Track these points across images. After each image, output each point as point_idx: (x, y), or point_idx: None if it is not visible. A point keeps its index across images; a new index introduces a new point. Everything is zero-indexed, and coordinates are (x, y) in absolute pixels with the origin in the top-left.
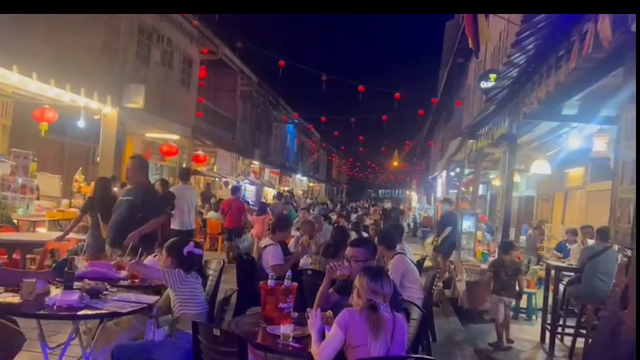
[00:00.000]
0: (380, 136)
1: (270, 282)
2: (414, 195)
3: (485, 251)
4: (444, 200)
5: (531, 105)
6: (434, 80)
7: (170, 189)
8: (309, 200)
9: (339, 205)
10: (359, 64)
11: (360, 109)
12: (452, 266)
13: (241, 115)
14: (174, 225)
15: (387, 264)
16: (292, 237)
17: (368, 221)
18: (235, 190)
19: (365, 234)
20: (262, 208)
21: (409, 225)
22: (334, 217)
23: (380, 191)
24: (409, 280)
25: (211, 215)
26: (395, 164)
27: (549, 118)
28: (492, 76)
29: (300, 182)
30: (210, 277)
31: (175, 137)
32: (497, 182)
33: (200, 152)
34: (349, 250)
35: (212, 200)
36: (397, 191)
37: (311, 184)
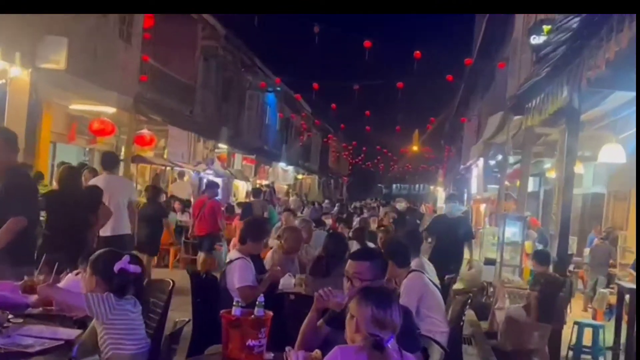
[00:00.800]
0: (394, 110)
1: (235, 311)
2: (440, 192)
3: None
4: (449, 198)
5: (598, 69)
6: (468, 34)
7: (92, 181)
8: (294, 198)
9: (337, 205)
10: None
11: (367, 72)
12: (490, 289)
13: (202, 81)
14: (104, 231)
15: (399, 286)
16: (270, 248)
17: (374, 225)
18: (210, 186)
19: (371, 244)
20: (230, 210)
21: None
22: (329, 221)
23: (394, 186)
24: (428, 308)
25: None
26: (415, 148)
27: (623, 86)
28: (546, 28)
29: (283, 173)
30: (154, 304)
31: (111, 110)
32: (552, 174)
33: (145, 131)
34: (350, 266)
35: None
36: (416, 186)
37: (299, 176)
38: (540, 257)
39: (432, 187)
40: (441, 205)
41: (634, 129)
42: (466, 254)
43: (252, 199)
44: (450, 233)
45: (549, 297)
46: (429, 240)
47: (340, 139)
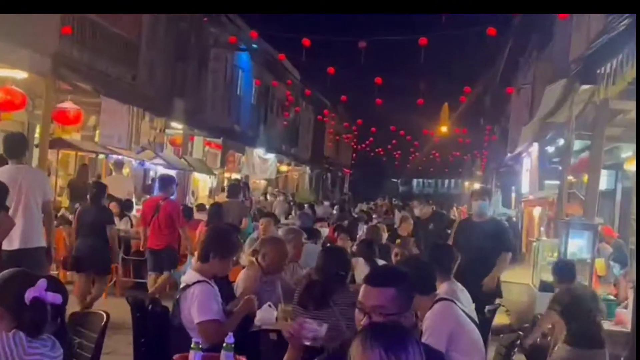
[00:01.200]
0: (414, 77)
1: (193, 356)
2: (478, 190)
3: (611, 296)
4: (477, 194)
5: None
6: None
7: None
8: (280, 199)
9: (336, 208)
10: None
11: (377, 24)
12: (549, 326)
13: (149, 36)
14: (9, 243)
15: (422, 320)
16: (243, 267)
17: (386, 235)
18: (165, 183)
19: (382, 262)
20: (187, 214)
21: None
22: (325, 230)
23: (415, 182)
24: (461, 350)
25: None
26: (444, 129)
27: None
28: None
29: (262, 164)
30: (80, 345)
31: (21, 74)
32: (633, 166)
33: (68, 105)
34: (366, 295)
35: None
36: (445, 182)
37: (284, 168)
38: (562, 270)
39: (466, 184)
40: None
41: None
42: (504, 275)
43: (226, 198)
44: (479, 243)
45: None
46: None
47: (341, 117)
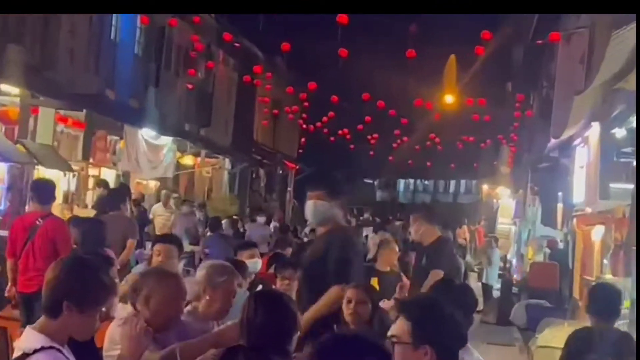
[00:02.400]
0: (401, 14)
1: None
2: (502, 198)
3: None
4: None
5: None
6: None
7: None
8: (186, 210)
9: (273, 226)
10: None
11: None
12: None
13: None
14: None
15: None
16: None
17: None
18: (42, 191)
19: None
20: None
21: (486, 288)
22: (256, 264)
23: (401, 184)
24: None
25: None
26: (448, 98)
27: None
28: None
29: (152, 154)
30: None
31: None
32: None
33: None
34: None
35: None
36: (451, 184)
37: (188, 160)
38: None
39: (484, 187)
40: (504, 226)
41: None
42: None
43: (95, 209)
44: None
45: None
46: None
47: (281, 77)
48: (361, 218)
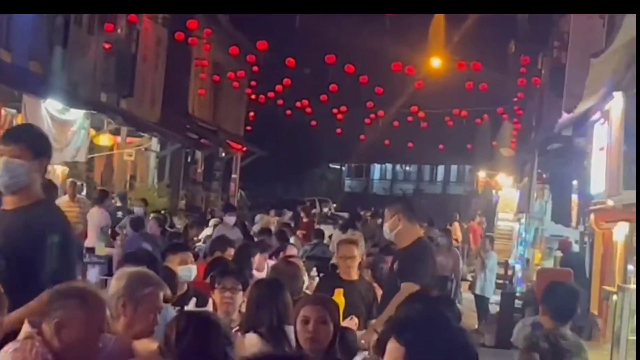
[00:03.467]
0: None
1: None
2: (503, 188)
3: None
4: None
5: None
6: None
7: None
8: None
9: (213, 223)
10: None
11: None
12: None
13: None
14: None
15: None
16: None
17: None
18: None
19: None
20: None
21: (480, 301)
22: (189, 272)
23: (377, 170)
24: None
25: None
26: (435, 61)
27: None
28: None
29: (58, 131)
30: None
31: None
32: None
33: None
34: None
35: None
36: (438, 170)
37: (104, 139)
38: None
39: (480, 175)
40: (506, 223)
41: None
42: None
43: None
44: None
45: None
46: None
47: (224, 35)
48: (323, 212)
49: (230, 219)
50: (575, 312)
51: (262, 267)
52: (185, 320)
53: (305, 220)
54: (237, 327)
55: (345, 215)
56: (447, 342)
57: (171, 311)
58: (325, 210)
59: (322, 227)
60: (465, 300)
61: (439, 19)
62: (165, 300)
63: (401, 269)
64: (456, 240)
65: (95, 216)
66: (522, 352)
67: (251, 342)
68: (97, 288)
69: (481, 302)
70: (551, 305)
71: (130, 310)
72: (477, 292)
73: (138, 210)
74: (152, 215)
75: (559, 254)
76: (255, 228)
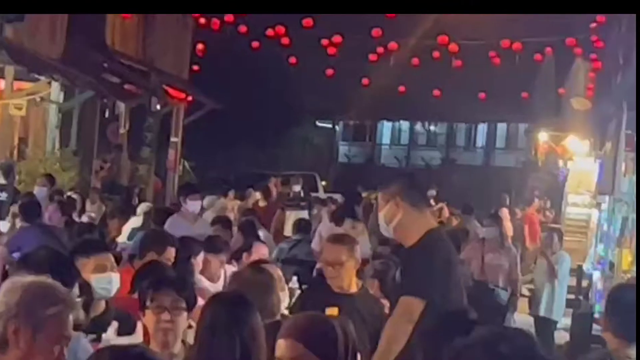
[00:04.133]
0: None
1: None
2: (580, 160)
3: None
4: None
5: None
6: None
7: None
8: None
9: (143, 209)
10: None
11: None
12: None
13: None
14: None
15: None
16: None
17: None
18: None
19: None
20: None
21: (543, 325)
22: (110, 280)
23: (384, 131)
24: None
25: None
26: None
27: None
28: None
29: None
30: None
31: None
32: None
33: None
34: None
35: None
36: (478, 132)
37: None
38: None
39: (541, 138)
40: (579, 210)
41: None
42: None
43: None
44: None
45: None
46: None
47: None
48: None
49: (193, 206)
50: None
51: (216, 275)
52: (110, 358)
53: (262, 205)
54: None
55: (338, 197)
56: None
57: (84, 342)
58: (297, 188)
59: (293, 214)
60: (520, 325)
61: None
62: (76, 326)
63: (404, 277)
64: (505, 234)
65: None
66: None
67: None
68: None
69: (545, 327)
70: (614, 317)
71: (26, 338)
72: (542, 313)
73: (40, 191)
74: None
75: None
76: (206, 215)
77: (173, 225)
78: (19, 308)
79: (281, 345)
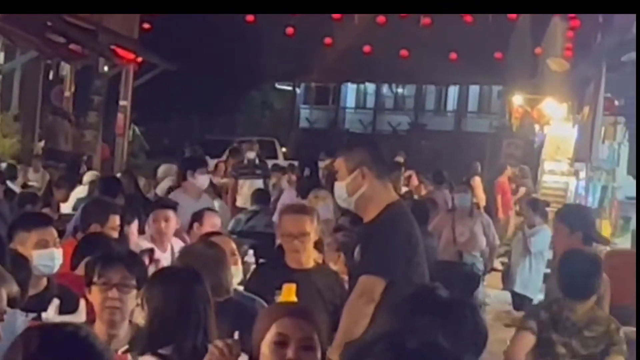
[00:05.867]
0: None
1: None
2: (557, 124)
3: None
4: None
5: None
6: None
7: None
8: None
9: (90, 179)
10: None
11: None
12: None
13: None
14: None
15: None
16: None
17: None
18: None
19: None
20: None
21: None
22: (52, 255)
23: (352, 95)
24: None
25: None
26: None
27: None
28: None
29: None
30: None
31: None
32: None
33: None
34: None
35: None
36: (449, 94)
37: None
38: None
39: (515, 102)
40: (556, 178)
41: None
42: None
43: None
44: None
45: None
46: None
47: None
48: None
49: (201, 180)
50: (591, 290)
51: (164, 246)
52: (38, 337)
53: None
54: (126, 347)
55: (285, 164)
56: None
57: (20, 319)
58: (250, 155)
59: (248, 183)
60: (495, 302)
61: None
62: (11, 303)
63: (363, 253)
64: (477, 205)
65: None
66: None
67: None
68: None
69: (519, 304)
70: (561, 276)
71: None
72: (518, 289)
73: None
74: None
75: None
76: (163, 185)
77: (176, 198)
78: None
79: (287, 324)
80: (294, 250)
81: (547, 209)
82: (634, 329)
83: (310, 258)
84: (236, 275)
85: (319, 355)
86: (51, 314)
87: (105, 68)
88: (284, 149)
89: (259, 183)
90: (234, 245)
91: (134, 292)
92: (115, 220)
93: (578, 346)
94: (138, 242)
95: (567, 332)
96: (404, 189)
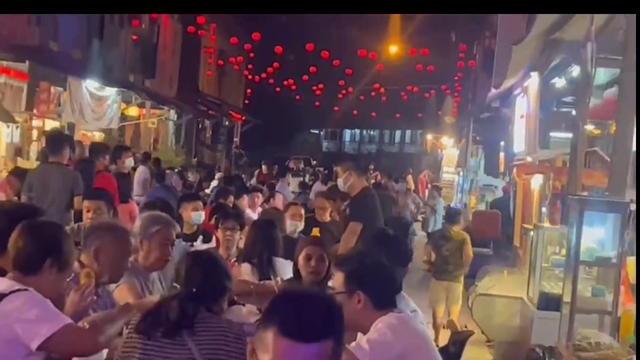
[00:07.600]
0: None
1: None
2: (447, 148)
3: None
4: None
5: None
6: None
7: None
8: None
9: (218, 178)
10: None
11: None
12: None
13: None
14: None
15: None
16: None
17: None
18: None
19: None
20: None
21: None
22: (197, 216)
23: (347, 135)
24: None
25: None
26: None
27: None
28: None
29: (96, 105)
30: None
31: None
32: None
33: None
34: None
35: None
36: (396, 134)
37: (133, 111)
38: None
39: (429, 138)
40: (449, 175)
41: None
42: None
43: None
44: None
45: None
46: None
47: (226, 28)
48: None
49: (288, 180)
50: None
51: (255, 208)
52: (192, 258)
53: (265, 172)
54: (235, 259)
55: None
56: (373, 269)
57: (183, 244)
58: (299, 165)
59: (295, 179)
60: (419, 237)
61: (395, 20)
62: (177, 236)
63: (351, 212)
64: (409, 189)
65: (141, 173)
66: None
67: (245, 270)
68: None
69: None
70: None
71: (145, 244)
72: (430, 230)
73: (141, 167)
74: (167, 171)
75: (489, 199)
76: (253, 181)
77: (282, 187)
78: (140, 229)
79: (311, 249)
80: (320, 214)
81: (442, 191)
82: (488, 249)
83: (327, 217)
84: (299, 226)
85: (327, 263)
86: (198, 244)
87: (226, 122)
88: (314, 162)
89: (300, 179)
90: (302, 211)
91: (239, 232)
92: (231, 198)
93: (449, 247)
94: (244, 209)
95: (445, 240)
96: (372, 182)
